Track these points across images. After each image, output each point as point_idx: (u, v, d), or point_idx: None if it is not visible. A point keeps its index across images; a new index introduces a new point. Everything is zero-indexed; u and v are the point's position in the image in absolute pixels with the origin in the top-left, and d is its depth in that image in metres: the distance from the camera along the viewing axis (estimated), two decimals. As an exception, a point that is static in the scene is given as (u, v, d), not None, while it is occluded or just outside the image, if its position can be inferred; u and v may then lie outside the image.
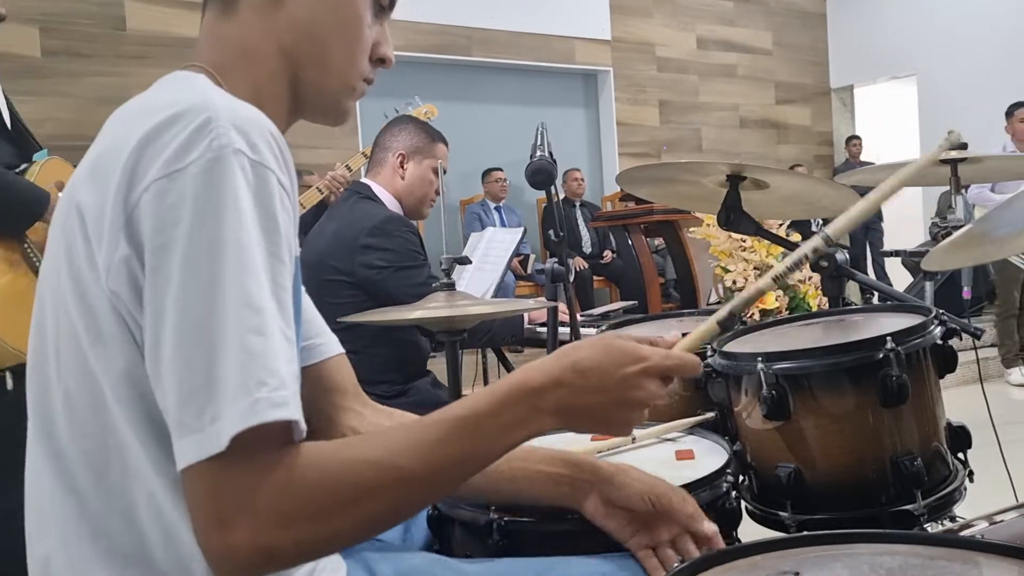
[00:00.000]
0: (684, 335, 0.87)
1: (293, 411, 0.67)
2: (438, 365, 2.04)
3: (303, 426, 0.68)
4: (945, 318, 1.21)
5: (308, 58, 0.88)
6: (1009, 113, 5.21)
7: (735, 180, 1.63)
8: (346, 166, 3.69)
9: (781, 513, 1.17)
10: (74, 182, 0.77)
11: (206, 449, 0.64)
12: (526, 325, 2.55)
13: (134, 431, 0.72)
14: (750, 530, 1.10)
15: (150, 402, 0.71)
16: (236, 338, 0.65)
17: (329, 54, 0.89)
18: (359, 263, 2.20)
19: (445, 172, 2.40)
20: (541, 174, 1.81)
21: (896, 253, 5.16)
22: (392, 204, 2.36)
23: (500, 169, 6.70)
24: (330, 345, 1.07)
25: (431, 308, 1.68)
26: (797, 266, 0.89)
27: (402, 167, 2.35)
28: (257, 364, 0.65)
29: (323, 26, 0.88)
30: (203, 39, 0.87)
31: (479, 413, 0.76)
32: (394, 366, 2.25)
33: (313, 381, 1.03)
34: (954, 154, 1.76)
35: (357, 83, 0.92)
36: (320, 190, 3.70)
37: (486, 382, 3.07)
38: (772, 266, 3.51)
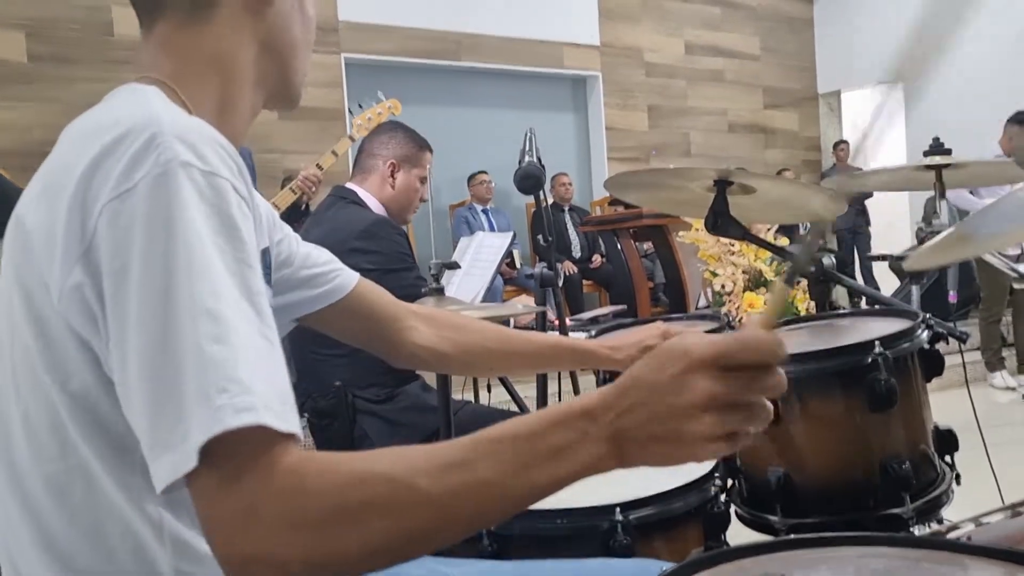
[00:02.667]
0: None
1: (263, 416, 0.62)
2: (428, 370, 2.04)
3: (283, 428, 0.64)
4: (932, 322, 1.22)
5: (280, 61, 0.90)
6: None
7: (722, 185, 1.64)
8: (317, 165, 3.69)
9: (771, 517, 1.17)
10: (23, 203, 0.75)
11: (180, 467, 0.61)
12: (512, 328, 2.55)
13: (93, 450, 0.71)
14: (739, 534, 1.11)
15: (107, 420, 0.70)
16: (193, 349, 0.63)
17: (298, 54, 0.91)
18: (348, 265, 2.20)
19: (429, 178, 2.41)
20: (530, 179, 1.81)
21: (883, 257, 5.19)
22: (378, 210, 2.36)
23: (485, 172, 6.72)
24: (347, 274, 1.15)
25: (420, 313, 1.67)
26: None
27: (392, 176, 2.35)
28: (218, 372, 0.62)
29: (294, 30, 0.90)
30: (158, 49, 0.85)
31: (519, 435, 0.66)
32: (383, 370, 2.24)
33: (353, 315, 1.14)
34: (938, 160, 1.78)
35: (308, 68, 0.95)
36: (293, 190, 3.68)
37: (475, 386, 3.06)
38: (760, 270, 3.53)
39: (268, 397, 0.64)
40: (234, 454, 0.62)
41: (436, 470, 0.65)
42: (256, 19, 0.86)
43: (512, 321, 2.53)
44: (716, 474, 1.06)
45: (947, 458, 1.23)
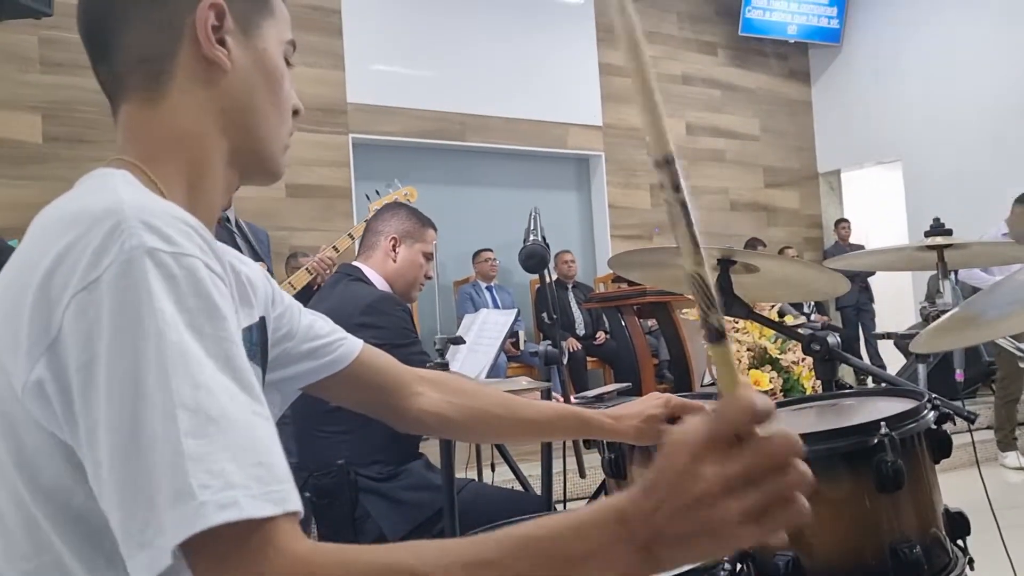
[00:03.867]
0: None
1: (248, 509, 0.60)
2: (431, 447, 2.03)
3: (273, 513, 0.62)
4: (938, 402, 1.21)
5: (245, 130, 0.87)
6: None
7: (725, 264, 1.65)
8: (333, 247, 3.76)
9: (780, 603, 1.14)
10: None
11: (155, 565, 0.59)
12: None
13: (68, 545, 0.70)
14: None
15: (82, 512, 0.69)
16: (169, 445, 0.61)
17: (265, 121, 0.88)
18: None
19: (432, 257, 2.44)
20: (534, 258, 1.83)
21: (888, 335, 5.18)
22: (382, 286, 2.37)
23: (490, 250, 6.78)
24: (350, 342, 1.13)
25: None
26: None
27: (394, 250, 2.38)
28: (198, 467, 0.60)
29: (258, 95, 0.87)
30: (125, 131, 0.84)
31: (551, 536, 0.63)
32: (386, 448, 2.23)
33: (358, 382, 1.12)
34: (940, 240, 1.79)
35: (287, 140, 0.92)
36: (309, 271, 3.75)
37: (479, 465, 3.03)
38: (765, 348, 3.52)
39: (256, 483, 0.62)
40: (221, 548, 0.60)
41: (463, 568, 0.62)
42: (211, 90, 0.84)
43: None
44: (725, 559, 1.04)
45: (959, 542, 1.20)
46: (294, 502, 0.64)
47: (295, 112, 0.93)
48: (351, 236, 3.78)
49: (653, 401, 1.31)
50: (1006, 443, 5.17)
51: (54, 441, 0.68)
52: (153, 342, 0.63)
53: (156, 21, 0.83)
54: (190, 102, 0.83)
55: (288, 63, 0.92)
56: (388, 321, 2.23)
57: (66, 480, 0.69)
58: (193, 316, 0.66)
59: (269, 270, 3.48)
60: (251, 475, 0.62)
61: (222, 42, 0.84)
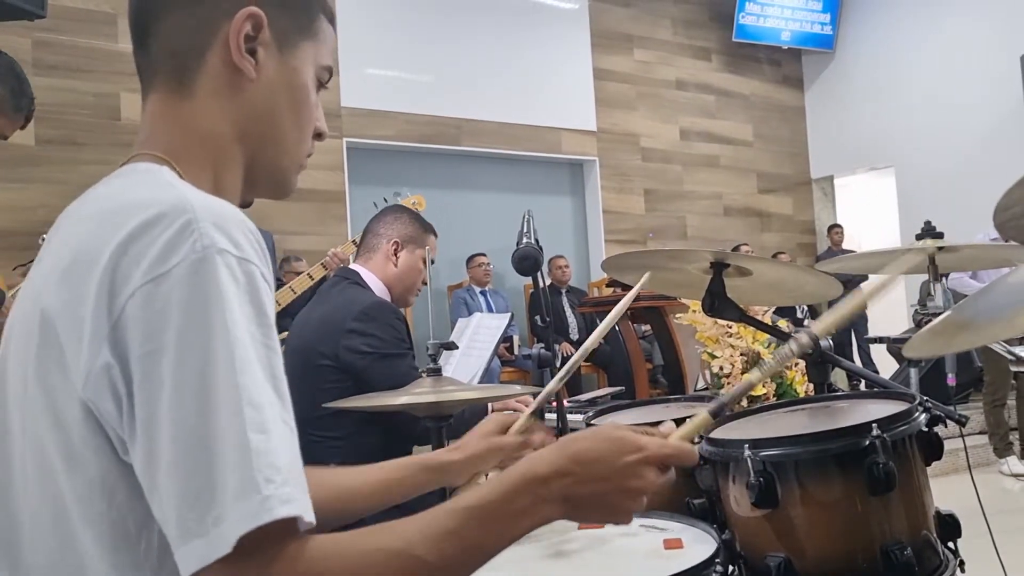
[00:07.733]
0: (677, 422, 0.91)
1: (298, 507, 0.65)
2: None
3: (311, 519, 0.67)
4: (929, 405, 1.21)
5: (264, 141, 0.88)
6: None
7: (719, 267, 1.65)
8: (353, 241, 3.82)
9: (772, 605, 1.14)
10: (39, 286, 0.75)
11: (212, 553, 0.62)
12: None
13: (97, 543, 0.70)
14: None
15: (122, 510, 0.69)
16: (236, 438, 0.64)
17: (284, 136, 0.89)
18: (343, 347, 2.19)
19: (433, 262, 2.43)
20: (528, 260, 1.83)
21: (880, 340, 5.19)
22: (380, 290, 2.37)
23: (483, 254, 6.77)
24: None
25: (417, 393, 1.67)
26: (786, 363, 0.94)
27: (395, 255, 2.37)
28: (262, 461, 0.64)
29: (280, 110, 0.88)
30: (152, 120, 0.85)
31: (490, 502, 0.77)
32: (379, 454, 2.22)
33: None
34: (930, 243, 1.80)
35: (304, 159, 0.93)
36: (324, 266, 3.85)
37: (473, 470, 3.02)
38: (758, 352, 3.52)
39: (303, 485, 0.66)
40: (267, 545, 0.64)
41: (432, 541, 0.72)
42: (235, 96, 0.85)
43: (490, 407, 2.51)
44: (717, 560, 1.04)
45: (950, 544, 1.21)
46: (313, 513, 0.68)
47: (319, 135, 0.94)
48: (354, 243, 3.86)
49: (487, 425, 1.34)
50: (1001, 449, 5.16)
51: (101, 436, 0.69)
52: (222, 338, 0.66)
53: (195, 17, 0.84)
54: (213, 104, 0.85)
55: (321, 86, 0.93)
56: (381, 329, 2.21)
57: (111, 475, 0.70)
58: (250, 322, 0.68)
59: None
60: (297, 477, 0.67)
61: (252, 52, 0.85)
